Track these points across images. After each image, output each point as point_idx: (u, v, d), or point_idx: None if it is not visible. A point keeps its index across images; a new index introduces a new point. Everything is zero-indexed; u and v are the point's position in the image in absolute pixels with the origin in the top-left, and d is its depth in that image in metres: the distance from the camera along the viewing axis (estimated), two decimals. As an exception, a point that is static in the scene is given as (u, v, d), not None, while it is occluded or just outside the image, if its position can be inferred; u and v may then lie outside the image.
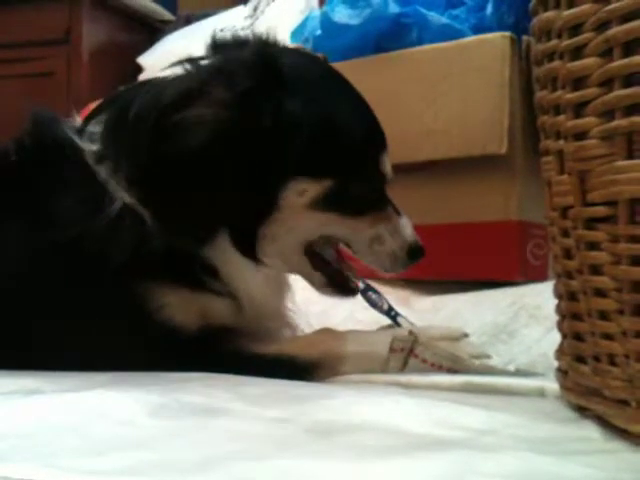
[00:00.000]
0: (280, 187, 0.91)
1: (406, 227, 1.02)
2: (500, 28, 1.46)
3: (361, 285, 1.13)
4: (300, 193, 0.92)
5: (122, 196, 0.90)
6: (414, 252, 1.03)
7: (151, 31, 3.25)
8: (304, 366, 0.92)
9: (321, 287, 1.03)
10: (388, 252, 1.01)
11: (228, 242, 0.94)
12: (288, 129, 0.90)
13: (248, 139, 0.88)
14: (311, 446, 0.56)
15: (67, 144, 0.95)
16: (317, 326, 1.03)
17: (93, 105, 1.15)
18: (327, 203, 0.94)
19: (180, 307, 0.92)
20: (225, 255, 0.94)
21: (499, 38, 1.41)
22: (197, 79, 0.89)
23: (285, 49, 1.04)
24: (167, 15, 3.32)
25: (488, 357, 0.99)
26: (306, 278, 1.03)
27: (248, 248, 0.95)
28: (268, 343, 0.97)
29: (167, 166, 0.88)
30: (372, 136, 1.00)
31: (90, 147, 0.94)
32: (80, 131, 0.97)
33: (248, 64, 0.90)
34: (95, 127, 0.96)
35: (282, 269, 1.03)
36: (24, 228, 0.94)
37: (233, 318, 0.97)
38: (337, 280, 1.03)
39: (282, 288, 1.08)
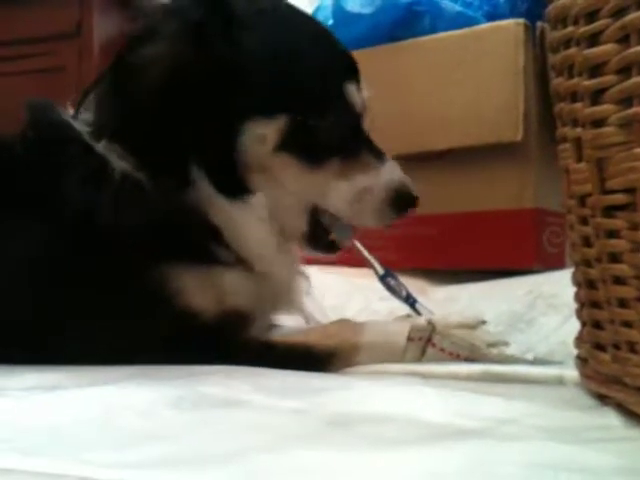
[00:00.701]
0: (238, 130, 0.90)
1: (391, 173, 0.96)
2: (513, 15, 1.45)
3: (380, 271, 1.13)
4: (261, 140, 0.91)
5: (119, 165, 0.90)
6: (401, 201, 0.95)
7: (162, 24, 3.24)
8: (321, 356, 0.92)
9: (300, 240, 0.99)
10: (370, 208, 0.95)
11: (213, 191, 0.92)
12: (239, 63, 0.89)
13: (202, 75, 0.88)
14: (331, 437, 0.56)
15: (64, 129, 0.95)
16: (333, 317, 1.03)
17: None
18: (288, 143, 0.91)
19: (197, 290, 0.91)
20: (220, 209, 0.92)
21: (513, 25, 1.41)
22: (148, 19, 0.91)
23: None
24: None
25: (506, 344, 0.98)
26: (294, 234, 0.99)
27: (233, 193, 0.92)
28: (285, 334, 0.98)
29: (133, 109, 0.89)
30: (331, 64, 0.95)
31: (85, 128, 0.94)
32: (76, 115, 0.97)
33: (197, 1, 0.90)
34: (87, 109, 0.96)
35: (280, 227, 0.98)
36: (32, 214, 0.94)
37: (248, 294, 0.95)
38: (316, 236, 0.99)
39: (293, 259, 1.05)
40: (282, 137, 0.91)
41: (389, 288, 1.14)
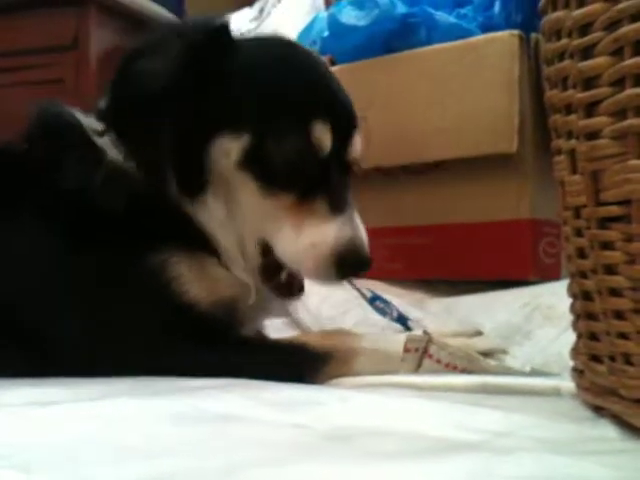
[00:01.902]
0: (208, 142, 0.94)
1: (342, 230, 0.92)
2: (508, 26, 1.46)
3: (368, 294, 1.13)
4: (226, 153, 0.94)
5: (113, 155, 0.96)
6: (348, 263, 0.91)
7: (158, 35, 3.25)
8: (317, 355, 0.92)
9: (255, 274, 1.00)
10: (314, 264, 0.92)
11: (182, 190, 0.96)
12: (223, 81, 0.95)
13: (189, 90, 0.93)
14: (331, 451, 0.56)
15: (68, 122, 1.02)
16: (330, 328, 1.04)
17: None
18: (248, 162, 0.93)
19: (191, 278, 0.94)
20: (189, 204, 0.97)
21: (508, 36, 1.41)
22: (156, 36, 0.99)
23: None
24: (174, 19, 3.33)
25: (504, 352, 0.99)
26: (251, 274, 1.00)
27: (196, 194, 0.96)
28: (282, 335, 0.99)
29: (127, 109, 0.95)
30: (308, 100, 0.96)
31: (90, 122, 1.01)
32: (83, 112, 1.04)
33: (199, 26, 0.97)
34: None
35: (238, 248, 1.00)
36: (29, 196, 0.99)
37: (238, 286, 0.98)
38: (281, 289, 1.01)
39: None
40: (244, 154, 0.94)
41: (379, 311, 1.14)
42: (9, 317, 0.94)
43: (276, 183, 0.94)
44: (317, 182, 0.94)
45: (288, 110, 0.95)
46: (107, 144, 0.97)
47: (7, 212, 0.99)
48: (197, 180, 0.96)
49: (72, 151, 0.99)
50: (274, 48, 1.03)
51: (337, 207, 0.93)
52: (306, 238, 0.92)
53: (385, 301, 1.14)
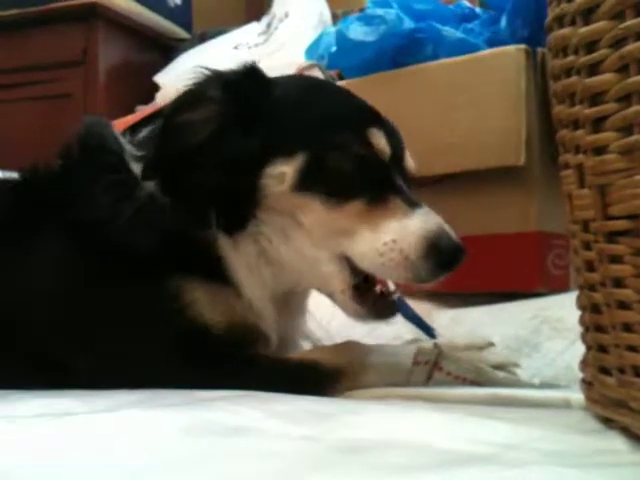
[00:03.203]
0: (257, 174, 0.94)
1: (425, 221, 0.89)
2: (514, 41, 1.47)
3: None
4: (280, 178, 0.94)
5: (149, 186, 0.97)
6: (441, 255, 0.86)
7: (166, 50, 3.28)
8: (327, 372, 0.92)
9: (354, 313, 0.96)
10: (399, 256, 0.88)
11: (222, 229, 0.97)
12: (266, 114, 0.96)
13: (237, 128, 0.95)
14: (342, 464, 0.57)
15: (108, 144, 1.04)
16: (339, 340, 1.04)
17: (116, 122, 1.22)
18: (307, 182, 0.93)
19: (207, 303, 0.95)
20: (225, 245, 0.97)
21: (514, 51, 1.42)
22: (196, 83, 0.97)
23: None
24: (182, 33, 3.35)
25: (516, 365, 0.99)
26: (334, 298, 0.98)
27: (236, 232, 0.96)
28: (292, 352, 1.00)
29: (172, 159, 0.96)
30: (354, 112, 0.99)
31: (131, 149, 1.02)
32: (127, 134, 1.06)
33: (237, 69, 0.99)
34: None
35: (301, 276, 0.99)
36: (55, 220, 1.00)
37: (252, 317, 0.98)
38: (376, 309, 0.96)
39: (292, 309, 1.06)
40: (301, 174, 0.93)
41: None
42: (29, 344, 0.96)
43: (342, 194, 0.92)
44: (383, 186, 0.94)
45: (339, 123, 0.96)
46: (140, 170, 0.98)
47: (31, 233, 1.00)
48: (241, 217, 0.96)
49: (107, 174, 1.00)
50: (301, 80, 1.09)
51: (413, 202, 0.92)
52: (386, 235, 0.89)
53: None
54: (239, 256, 0.97)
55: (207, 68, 0.98)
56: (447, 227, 0.89)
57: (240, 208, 0.96)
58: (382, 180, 0.94)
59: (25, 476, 0.53)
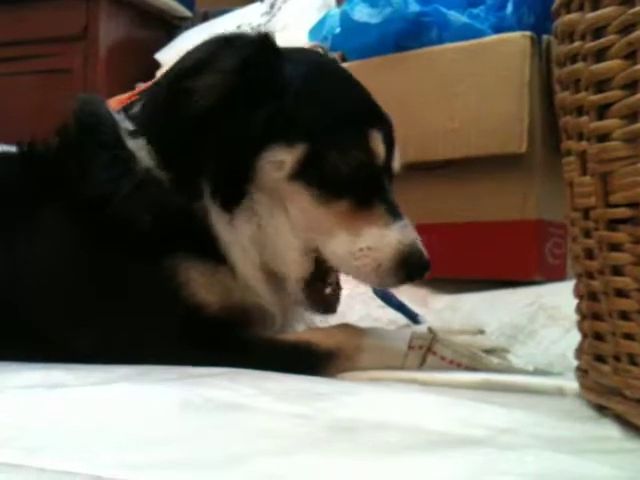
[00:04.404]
0: (256, 154, 0.94)
1: (401, 234, 0.94)
2: (520, 27, 1.46)
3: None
4: (279, 165, 0.94)
5: (145, 162, 0.96)
6: (409, 266, 0.93)
7: (168, 28, 3.26)
8: (322, 353, 0.93)
9: (300, 302, 1.00)
10: (373, 263, 0.93)
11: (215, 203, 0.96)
12: (275, 92, 0.94)
13: (242, 102, 0.94)
14: (335, 443, 0.57)
15: (104, 120, 1.02)
16: (335, 323, 1.04)
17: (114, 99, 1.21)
18: (303, 174, 0.93)
19: (202, 283, 0.95)
20: (221, 222, 0.96)
21: (519, 37, 1.41)
22: (206, 50, 0.96)
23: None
24: (184, 12, 3.33)
25: (505, 351, 0.99)
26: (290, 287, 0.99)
27: (229, 208, 0.96)
28: (287, 333, 1.00)
29: (176, 126, 0.95)
30: (360, 109, 0.99)
31: (125, 123, 1.01)
32: (122, 110, 1.04)
33: (250, 38, 0.97)
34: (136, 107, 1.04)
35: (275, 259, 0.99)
36: (52, 197, 1.00)
37: (251, 296, 0.98)
38: (321, 303, 1.00)
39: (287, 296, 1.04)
40: (299, 165, 0.93)
41: (381, 296, 1.14)
42: (27, 319, 0.95)
43: (332, 193, 0.94)
44: (372, 189, 0.96)
45: (346, 120, 0.96)
46: (138, 147, 0.98)
47: (29, 211, 1.00)
48: (236, 193, 0.96)
49: (104, 151, 0.99)
50: (312, 59, 1.05)
51: (395, 213, 0.95)
52: (363, 242, 0.93)
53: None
54: (234, 235, 0.96)
55: (219, 36, 0.96)
56: (420, 243, 0.94)
57: (236, 183, 0.96)
58: (372, 185, 0.96)
59: (27, 444, 0.53)
